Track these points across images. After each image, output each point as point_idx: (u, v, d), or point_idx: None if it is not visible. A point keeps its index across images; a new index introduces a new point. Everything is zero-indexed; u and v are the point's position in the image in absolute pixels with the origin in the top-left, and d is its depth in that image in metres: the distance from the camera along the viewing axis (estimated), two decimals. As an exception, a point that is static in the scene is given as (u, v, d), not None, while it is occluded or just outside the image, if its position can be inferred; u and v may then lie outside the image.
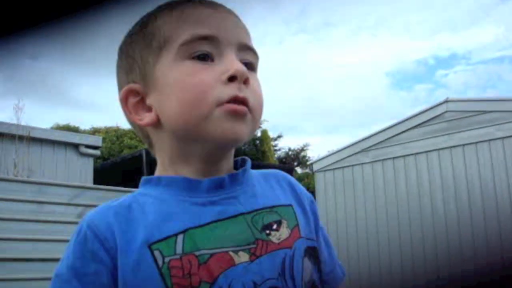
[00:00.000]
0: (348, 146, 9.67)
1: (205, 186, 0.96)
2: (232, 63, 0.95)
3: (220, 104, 0.93)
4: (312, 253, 1.01)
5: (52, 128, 22.35)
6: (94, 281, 0.89)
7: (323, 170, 9.84)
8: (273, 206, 1.00)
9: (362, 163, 9.50)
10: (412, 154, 8.96)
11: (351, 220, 9.27)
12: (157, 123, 0.98)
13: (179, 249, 0.89)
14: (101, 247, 0.89)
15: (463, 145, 8.42)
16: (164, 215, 0.93)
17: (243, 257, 0.91)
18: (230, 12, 1.03)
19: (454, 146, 8.52)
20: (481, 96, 9.39)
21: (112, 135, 26.78)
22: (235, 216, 0.95)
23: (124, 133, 27.52)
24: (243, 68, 0.95)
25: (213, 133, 0.94)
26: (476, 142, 8.27)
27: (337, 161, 9.59)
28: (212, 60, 0.96)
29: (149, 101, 0.98)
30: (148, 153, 12.80)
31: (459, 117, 8.55)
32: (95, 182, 9.69)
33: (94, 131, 26.80)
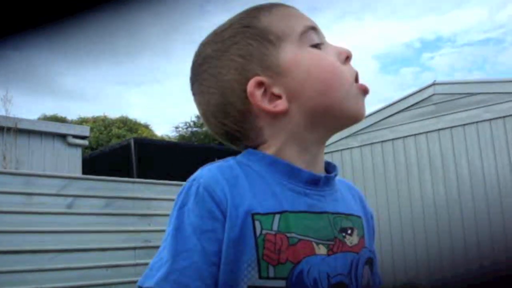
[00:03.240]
0: (337, 131, 9.69)
1: (305, 177, 1.05)
2: (339, 46, 1.08)
3: (352, 82, 1.06)
4: (371, 263, 1.11)
5: (39, 119, 22.21)
6: (211, 237, 0.97)
7: (312, 155, 9.87)
8: (349, 214, 1.10)
9: (351, 147, 9.53)
10: (400, 138, 9.01)
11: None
12: (287, 109, 1.05)
13: (275, 226, 0.98)
14: (217, 208, 0.97)
15: (451, 127, 8.46)
16: (266, 192, 1.02)
17: (322, 250, 1.00)
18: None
19: (442, 129, 8.56)
20: (468, 79, 9.46)
21: (99, 124, 26.68)
22: (321, 213, 1.04)
23: (112, 122, 27.42)
24: (349, 49, 1.09)
25: (352, 108, 1.06)
26: (464, 124, 8.32)
27: (326, 146, 9.62)
28: (320, 48, 1.07)
29: (277, 89, 1.05)
30: (136, 142, 12.78)
31: (446, 100, 8.58)
32: (83, 172, 9.65)
33: (82, 121, 26.68)
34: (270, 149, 1.07)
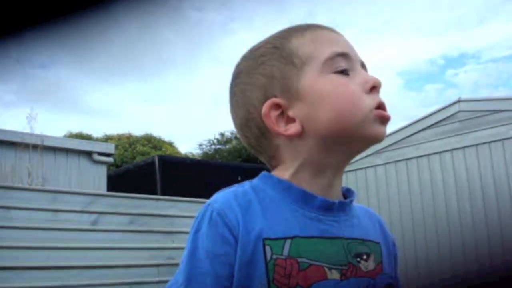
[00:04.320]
0: (361, 148, 9.64)
1: (318, 203, 1.07)
2: (368, 75, 1.10)
3: (371, 110, 1.06)
4: None
5: (65, 136, 22.47)
6: (224, 261, 1.00)
7: (336, 172, 9.81)
8: (365, 240, 1.11)
9: (375, 165, 9.47)
10: (425, 155, 8.92)
11: (365, 223, 9.22)
12: (301, 133, 1.08)
13: (285, 251, 1.00)
14: (230, 233, 1.00)
15: (476, 145, 8.36)
16: (278, 218, 1.04)
17: (335, 274, 1.02)
18: (340, 33, 1.16)
19: (467, 146, 8.47)
20: (493, 95, 9.35)
21: (124, 142, 26.87)
22: (335, 238, 1.06)
23: (137, 139, 27.61)
24: (378, 78, 1.09)
25: (368, 133, 1.06)
26: (490, 142, 8.22)
27: (350, 164, 9.56)
28: (348, 74, 1.08)
29: (293, 113, 1.08)
30: (160, 159, 12.84)
31: (471, 117, 8.49)
32: (108, 189, 9.73)
33: (107, 139, 26.91)
34: (287, 172, 1.10)
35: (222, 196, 1.06)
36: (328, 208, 1.08)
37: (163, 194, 9.94)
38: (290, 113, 1.08)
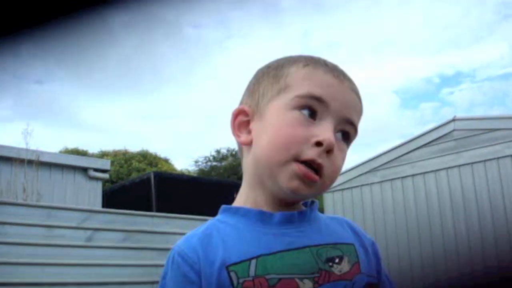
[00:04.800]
0: (357, 166, 9.64)
1: (277, 219, 1.09)
2: (326, 132, 1.06)
3: (297, 159, 1.06)
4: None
5: (60, 152, 22.42)
6: None
7: (332, 190, 9.81)
8: (336, 243, 1.11)
9: (371, 183, 9.47)
10: (420, 173, 8.93)
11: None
12: (249, 145, 1.14)
13: (252, 272, 1.01)
14: (191, 270, 1.03)
15: (472, 163, 8.38)
16: (239, 242, 1.06)
17: (307, 284, 1.02)
18: (353, 89, 1.15)
19: (462, 165, 8.48)
20: (488, 114, 9.38)
21: (120, 158, 26.82)
22: (302, 248, 1.07)
23: (132, 156, 27.57)
24: (332, 140, 1.06)
25: (281, 182, 1.07)
26: (485, 160, 8.24)
27: (345, 181, 9.56)
28: (314, 118, 1.08)
29: (252, 125, 1.15)
30: (156, 176, 12.82)
31: (467, 136, 8.52)
32: (103, 205, 9.70)
33: (103, 155, 26.86)
34: (244, 189, 1.16)
35: (183, 238, 1.11)
36: (289, 220, 1.10)
37: (159, 210, 9.91)
38: (251, 125, 1.15)
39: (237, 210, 1.13)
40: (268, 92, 1.14)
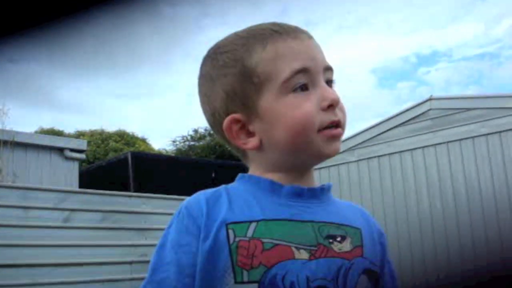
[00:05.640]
0: (334, 145, 9.68)
1: (286, 191, 1.12)
2: (327, 92, 1.12)
3: (321, 129, 1.10)
4: (373, 276, 1.13)
5: (36, 132, 22.18)
6: (187, 250, 1.05)
7: (309, 169, 9.85)
8: (342, 224, 1.13)
9: (348, 162, 9.54)
10: (397, 152, 9.01)
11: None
12: (259, 146, 1.14)
13: (249, 233, 1.04)
14: (194, 223, 1.06)
15: (447, 142, 8.47)
16: (244, 205, 1.09)
17: (303, 254, 1.04)
18: (310, 37, 1.17)
19: (438, 144, 8.57)
20: (464, 94, 9.49)
21: (97, 138, 26.64)
22: (305, 221, 1.09)
23: (109, 136, 27.40)
24: (337, 96, 1.12)
25: (318, 151, 1.12)
26: (460, 139, 8.33)
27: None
28: (307, 88, 1.11)
29: (253, 127, 1.14)
30: (133, 156, 12.76)
31: (443, 115, 8.60)
32: (80, 186, 9.64)
33: (79, 135, 26.65)
34: (257, 171, 1.17)
35: (194, 195, 1.13)
36: (297, 194, 1.12)
37: (136, 191, 9.88)
38: (250, 127, 1.14)
39: (250, 178, 1.16)
40: (249, 91, 1.13)
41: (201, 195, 1.11)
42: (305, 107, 1.09)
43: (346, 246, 1.10)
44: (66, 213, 5.76)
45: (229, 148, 1.24)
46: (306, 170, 1.18)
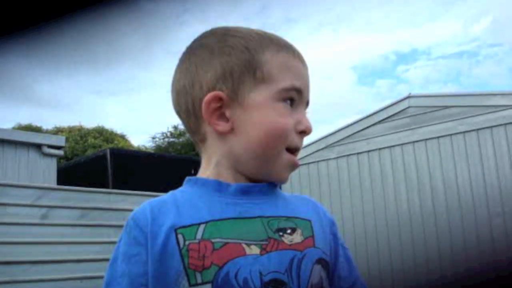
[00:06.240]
0: (314, 142, 9.72)
1: (233, 189, 1.13)
2: (305, 119, 1.17)
3: (289, 148, 1.14)
4: (326, 265, 1.14)
5: (14, 128, 21.95)
6: (138, 260, 1.06)
7: (289, 166, 9.87)
8: (290, 217, 1.15)
9: (327, 159, 9.57)
10: (376, 149, 9.06)
11: (317, 216, 9.30)
12: (228, 133, 1.14)
13: (199, 235, 1.05)
14: (141, 233, 1.07)
15: (426, 139, 8.54)
16: (192, 208, 1.10)
17: (254, 250, 1.05)
18: (307, 66, 1.22)
19: (416, 141, 8.64)
20: (442, 92, 9.61)
21: (75, 134, 26.44)
22: (253, 217, 1.10)
23: (88, 132, 27.20)
24: (311, 127, 1.17)
25: (278, 171, 1.15)
26: (438, 137, 8.40)
27: (302, 157, 9.64)
28: (292, 106, 1.15)
29: (230, 113, 1.13)
30: (112, 152, 12.68)
31: (421, 112, 8.67)
32: (58, 182, 9.55)
33: (57, 131, 26.43)
34: (209, 166, 1.17)
35: (140, 205, 1.14)
36: (244, 192, 1.13)
37: (115, 187, 9.83)
38: (227, 112, 1.13)
39: (197, 181, 1.16)
40: (246, 80, 1.14)
41: (146, 205, 1.12)
42: (288, 120, 1.13)
43: (297, 237, 1.11)
44: (44, 210, 5.71)
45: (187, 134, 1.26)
46: (251, 180, 1.17)
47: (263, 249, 1.05)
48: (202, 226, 1.06)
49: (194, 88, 1.16)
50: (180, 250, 1.03)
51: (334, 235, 1.22)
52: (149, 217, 1.08)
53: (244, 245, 1.05)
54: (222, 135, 1.14)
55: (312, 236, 1.14)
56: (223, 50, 1.16)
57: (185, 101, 1.18)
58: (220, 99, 1.13)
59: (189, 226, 1.06)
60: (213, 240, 1.04)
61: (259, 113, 1.12)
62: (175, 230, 1.05)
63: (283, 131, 1.12)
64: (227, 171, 1.15)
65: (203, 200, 1.11)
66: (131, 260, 1.07)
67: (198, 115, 1.16)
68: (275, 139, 1.12)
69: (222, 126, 1.13)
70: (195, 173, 1.20)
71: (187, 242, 1.04)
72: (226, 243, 1.04)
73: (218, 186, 1.13)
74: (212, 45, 1.18)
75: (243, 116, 1.13)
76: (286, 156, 1.14)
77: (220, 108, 1.13)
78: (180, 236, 1.05)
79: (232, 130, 1.13)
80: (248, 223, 1.08)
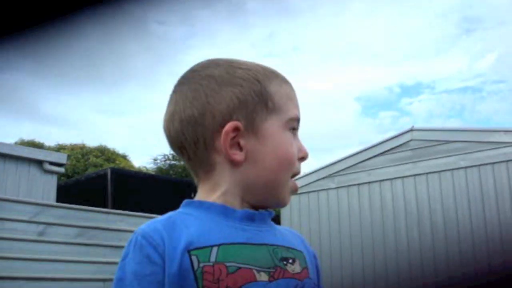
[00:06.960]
0: (314, 172, 9.72)
1: (239, 215, 1.14)
2: (304, 146, 1.23)
3: (293, 175, 1.20)
4: None
5: (16, 143, 21.99)
6: (152, 280, 1.05)
7: (289, 194, 9.84)
8: (289, 247, 1.18)
9: (328, 189, 9.56)
10: (377, 181, 9.05)
11: (315, 245, 9.27)
12: (241, 163, 1.16)
13: (213, 258, 1.05)
14: (155, 252, 1.06)
15: (427, 173, 8.53)
16: (203, 230, 1.10)
17: (264, 277, 1.07)
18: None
19: (418, 174, 8.63)
20: (445, 126, 9.61)
21: (77, 152, 26.44)
22: (260, 244, 1.13)
23: (90, 151, 27.20)
24: (308, 152, 1.23)
25: (281, 198, 1.20)
26: (440, 171, 8.40)
27: (302, 186, 9.62)
28: (294, 134, 1.22)
29: (244, 142, 1.16)
30: (113, 172, 12.67)
31: (423, 146, 8.67)
32: (58, 200, 9.53)
33: (59, 148, 26.43)
34: (217, 192, 1.17)
35: (146, 223, 1.13)
36: (250, 218, 1.15)
37: (114, 207, 9.80)
38: (242, 142, 1.15)
39: (201, 204, 1.16)
40: (260, 110, 1.17)
41: (156, 223, 1.11)
42: (294, 148, 1.20)
43: (297, 267, 1.15)
44: (42, 226, 5.70)
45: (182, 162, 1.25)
46: (254, 207, 1.19)
47: (271, 276, 1.08)
48: (215, 249, 1.07)
49: (206, 118, 1.15)
50: (195, 272, 1.04)
51: (317, 268, 1.26)
52: (164, 237, 1.07)
53: (255, 271, 1.07)
54: (235, 164, 1.15)
55: (306, 268, 1.18)
56: (235, 81, 1.18)
57: (194, 130, 1.17)
58: (237, 129, 1.14)
59: (202, 248, 1.06)
60: (227, 264, 1.05)
61: (273, 142, 1.17)
62: (189, 251, 1.05)
63: (293, 159, 1.18)
64: (235, 199, 1.16)
65: (213, 223, 1.12)
66: (145, 279, 1.05)
67: (209, 145, 1.16)
68: (286, 167, 1.18)
69: (239, 156, 1.15)
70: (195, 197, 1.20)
71: (201, 264, 1.04)
72: (239, 267, 1.06)
73: (225, 211, 1.14)
74: (223, 75, 1.18)
75: (258, 145, 1.16)
76: (291, 182, 1.20)
77: (234, 137, 1.15)
78: (194, 258, 1.05)
79: (245, 160, 1.16)
80: (256, 250, 1.11)
